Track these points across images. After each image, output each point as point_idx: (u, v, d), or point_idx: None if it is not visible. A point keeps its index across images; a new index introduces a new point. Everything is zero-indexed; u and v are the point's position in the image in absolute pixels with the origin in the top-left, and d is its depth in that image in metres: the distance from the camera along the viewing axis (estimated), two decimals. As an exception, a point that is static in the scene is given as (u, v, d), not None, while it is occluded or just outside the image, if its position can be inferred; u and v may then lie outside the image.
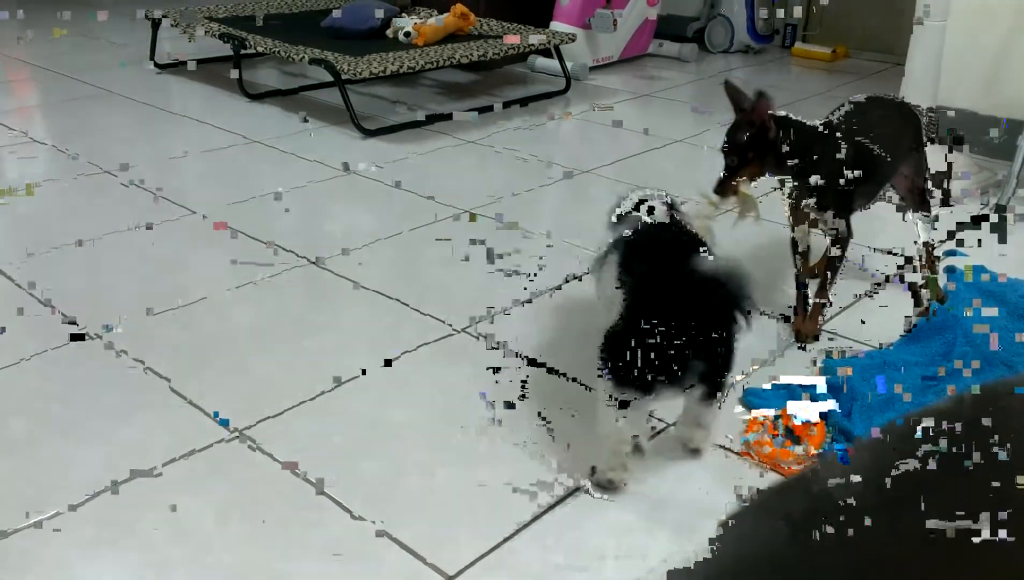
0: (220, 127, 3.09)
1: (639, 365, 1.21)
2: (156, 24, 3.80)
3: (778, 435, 1.44)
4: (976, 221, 2.33)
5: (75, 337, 1.73)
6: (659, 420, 1.49)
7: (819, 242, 1.83)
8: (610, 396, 1.26)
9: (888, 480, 0.50)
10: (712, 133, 3.13)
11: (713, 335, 1.24)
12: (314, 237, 2.24)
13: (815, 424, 1.45)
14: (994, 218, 2.33)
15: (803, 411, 1.48)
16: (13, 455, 1.40)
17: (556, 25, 3.87)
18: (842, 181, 1.67)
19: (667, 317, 1.22)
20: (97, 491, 1.31)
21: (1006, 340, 1.64)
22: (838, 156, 1.67)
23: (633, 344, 1.22)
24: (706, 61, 4.30)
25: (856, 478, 0.51)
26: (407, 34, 3.37)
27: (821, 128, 1.71)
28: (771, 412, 1.49)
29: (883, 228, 2.34)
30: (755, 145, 1.63)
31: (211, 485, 1.34)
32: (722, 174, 1.68)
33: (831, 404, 1.50)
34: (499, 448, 1.43)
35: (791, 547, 0.51)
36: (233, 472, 1.37)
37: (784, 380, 1.59)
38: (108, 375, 1.62)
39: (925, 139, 1.88)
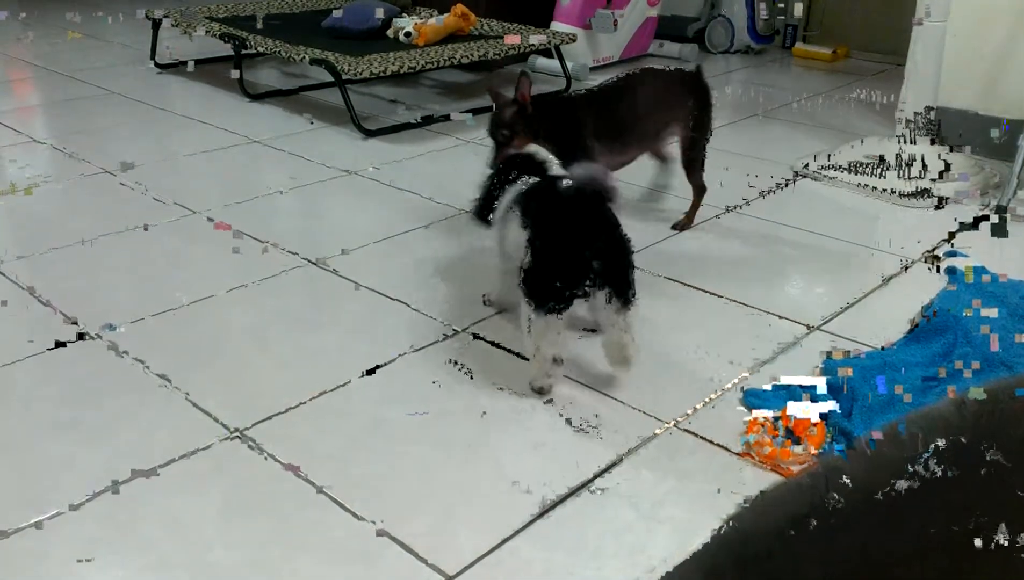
0: (221, 127, 3.10)
1: (548, 284, 1.47)
2: (157, 24, 3.80)
3: (778, 435, 1.44)
4: (976, 222, 2.33)
5: (76, 337, 1.73)
6: (657, 419, 1.50)
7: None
8: (529, 320, 1.51)
9: (885, 485, 0.50)
10: (713, 134, 3.13)
11: (600, 236, 1.48)
12: (315, 237, 2.24)
13: (815, 425, 1.45)
14: (994, 219, 2.33)
15: (803, 412, 1.48)
16: (13, 454, 1.40)
17: (556, 25, 3.87)
18: (581, 141, 2.03)
19: (556, 235, 1.48)
20: (98, 491, 1.32)
21: (1006, 341, 1.64)
22: (576, 121, 2.04)
23: (540, 268, 1.48)
24: (707, 61, 4.30)
25: (852, 484, 0.51)
26: (408, 34, 3.37)
27: (564, 99, 2.08)
28: (771, 413, 1.49)
29: (883, 227, 2.34)
30: (519, 121, 1.97)
31: (211, 485, 1.34)
32: (494, 148, 2.00)
33: (831, 405, 1.50)
34: (500, 448, 1.43)
35: (784, 549, 0.51)
36: (233, 472, 1.37)
37: (784, 381, 1.59)
38: (109, 375, 1.62)
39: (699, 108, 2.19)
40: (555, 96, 2.11)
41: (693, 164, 2.24)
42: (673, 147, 2.30)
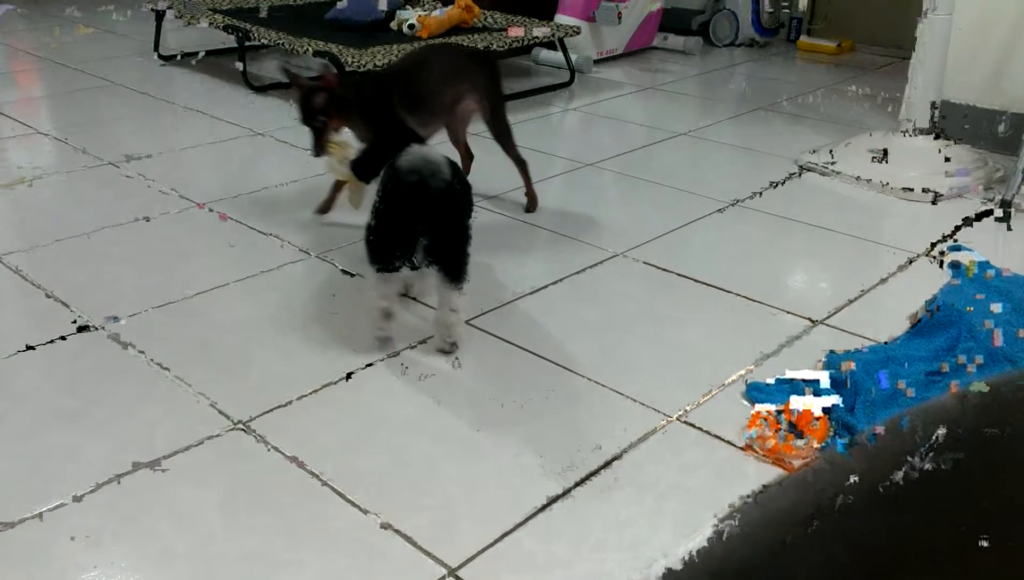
0: (224, 119, 3.09)
1: (378, 246, 1.62)
2: (160, 16, 3.80)
3: (781, 429, 1.44)
4: (980, 216, 2.33)
5: (79, 329, 1.74)
6: (660, 413, 1.50)
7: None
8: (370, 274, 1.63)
9: (885, 480, 0.50)
10: (717, 127, 3.13)
11: (431, 216, 1.58)
12: (318, 230, 2.24)
13: (818, 419, 1.45)
14: (998, 213, 2.33)
15: (806, 406, 1.48)
16: (17, 446, 1.41)
17: (560, 18, 3.86)
18: (392, 115, 2.05)
19: (392, 203, 1.59)
20: (101, 482, 1.32)
21: (1010, 336, 1.63)
22: (385, 94, 2.07)
23: (374, 228, 1.61)
24: (711, 54, 4.29)
25: (855, 480, 0.51)
26: (411, 26, 3.37)
27: (369, 77, 2.12)
28: (774, 407, 1.49)
29: (887, 222, 2.34)
30: (331, 105, 1.98)
31: (215, 477, 1.34)
32: (313, 136, 2.00)
33: (834, 399, 1.50)
34: (502, 441, 1.44)
35: (788, 553, 0.50)
36: (237, 464, 1.37)
37: (787, 375, 1.59)
38: (112, 366, 1.62)
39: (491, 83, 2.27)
40: (358, 76, 2.13)
41: (502, 136, 2.28)
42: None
